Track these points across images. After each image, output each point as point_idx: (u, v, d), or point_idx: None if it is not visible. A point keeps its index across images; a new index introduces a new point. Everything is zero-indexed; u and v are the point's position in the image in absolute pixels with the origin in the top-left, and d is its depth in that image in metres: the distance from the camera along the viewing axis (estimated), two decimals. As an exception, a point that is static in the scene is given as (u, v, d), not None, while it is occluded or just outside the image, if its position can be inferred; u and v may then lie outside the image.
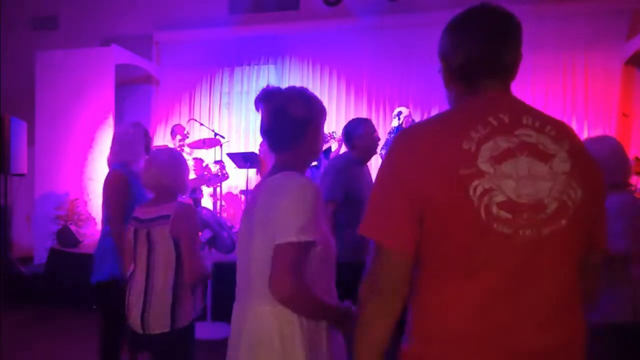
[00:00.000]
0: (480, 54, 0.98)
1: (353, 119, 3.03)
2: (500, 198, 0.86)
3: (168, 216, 1.92)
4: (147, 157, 2.23)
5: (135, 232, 1.99)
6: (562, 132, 0.95)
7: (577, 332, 0.94)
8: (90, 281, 2.41)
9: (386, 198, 0.94)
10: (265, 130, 1.38)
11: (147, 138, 2.57)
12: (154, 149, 2.51)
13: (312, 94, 1.41)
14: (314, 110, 1.37)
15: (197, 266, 1.91)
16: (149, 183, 2.05)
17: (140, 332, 1.91)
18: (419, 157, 0.91)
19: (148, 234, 1.94)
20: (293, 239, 1.18)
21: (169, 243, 1.91)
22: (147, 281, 1.92)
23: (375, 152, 2.98)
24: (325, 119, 1.43)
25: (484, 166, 0.87)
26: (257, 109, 1.39)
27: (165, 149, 2.34)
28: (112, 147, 2.52)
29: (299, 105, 1.35)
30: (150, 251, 1.94)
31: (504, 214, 0.86)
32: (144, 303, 1.90)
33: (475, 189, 0.86)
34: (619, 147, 2.01)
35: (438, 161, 0.89)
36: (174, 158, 2.09)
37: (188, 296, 1.94)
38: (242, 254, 1.36)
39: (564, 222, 0.89)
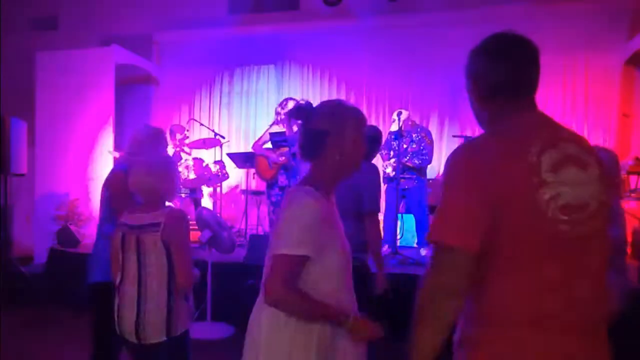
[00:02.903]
0: (517, 77, 1.16)
1: None
2: (561, 202, 1.04)
3: (159, 224, 1.89)
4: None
5: (123, 237, 1.95)
6: (586, 144, 1.15)
7: (606, 312, 1.13)
8: (87, 282, 2.38)
9: (457, 203, 1.07)
10: (297, 142, 1.53)
11: (161, 143, 2.52)
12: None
13: (339, 106, 1.48)
14: (333, 123, 1.43)
15: (190, 272, 1.92)
16: (136, 188, 1.99)
17: (135, 341, 1.90)
18: (490, 166, 1.06)
19: (137, 242, 1.91)
20: (285, 251, 1.31)
21: (161, 251, 1.88)
22: (139, 290, 1.89)
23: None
24: (355, 131, 1.44)
25: (547, 175, 1.05)
26: (291, 123, 1.51)
27: (155, 154, 2.31)
28: (128, 147, 2.48)
29: (318, 117, 1.46)
30: (140, 259, 1.90)
31: (563, 216, 1.05)
32: (138, 313, 1.87)
33: (543, 195, 1.04)
34: (616, 159, 2.31)
35: (509, 170, 1.05)
36: (162, 163, 2.06)
37: (182, 304, 1.94)
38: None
39: (602, 218, 1.09)
